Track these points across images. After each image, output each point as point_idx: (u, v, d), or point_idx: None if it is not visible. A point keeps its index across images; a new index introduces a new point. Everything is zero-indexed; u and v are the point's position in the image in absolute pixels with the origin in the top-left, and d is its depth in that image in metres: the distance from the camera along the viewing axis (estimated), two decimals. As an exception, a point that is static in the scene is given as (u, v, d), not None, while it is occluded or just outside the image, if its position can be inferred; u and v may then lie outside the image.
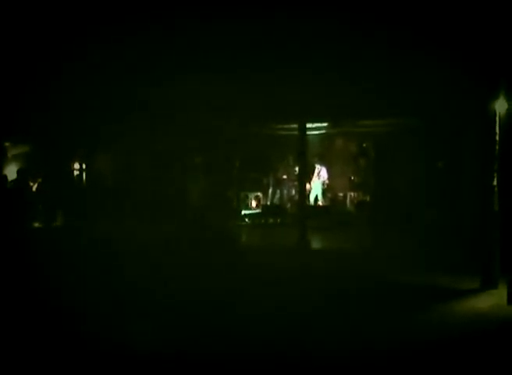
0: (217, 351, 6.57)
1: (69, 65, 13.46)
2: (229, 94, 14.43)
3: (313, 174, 18.56)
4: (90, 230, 15.59)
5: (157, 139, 18.00)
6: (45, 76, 14.05)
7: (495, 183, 9.76)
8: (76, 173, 20.33)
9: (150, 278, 9.87)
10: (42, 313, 7.93)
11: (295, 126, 15.50)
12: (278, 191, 19.54)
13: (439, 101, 13.27)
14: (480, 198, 10.28)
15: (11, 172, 18.52)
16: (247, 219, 18.35)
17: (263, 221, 18.16)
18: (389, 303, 8.77)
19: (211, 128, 17.11)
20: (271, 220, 18.12)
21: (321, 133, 18.40)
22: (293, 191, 18.91)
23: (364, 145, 18.57)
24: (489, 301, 8.92)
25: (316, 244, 14.50)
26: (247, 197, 19.34)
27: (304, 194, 15.56)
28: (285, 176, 19.40)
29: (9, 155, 20.22)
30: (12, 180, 17.69)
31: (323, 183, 18.79)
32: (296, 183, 17.82)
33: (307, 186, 17.21)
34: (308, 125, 15.30)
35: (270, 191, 19.54)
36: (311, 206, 18.05)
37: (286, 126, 17.34)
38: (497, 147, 9.77)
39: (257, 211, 18.77)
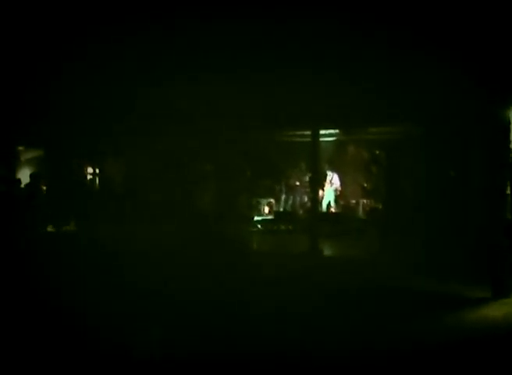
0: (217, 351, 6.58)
1: (82, 70, 13.53)
2: (241, 100, 14.44)
3: (325, 181, 18.52)
4: (101, 234, 15.66)
5: (169, 145, 18.03)
6: (59, 80, 14.13)
7: (508, 191, 9.70)
8: (88, 177, 20.43)
9: (161, 281, 9.89)
10: (48, 314, 7.97)
11: (307, 132, 15.48)
12: (290, 198, 19.51)
13: (451, 107, 13.21)
14: (491, 205, 10.20)
15: (24, 176, 18.64)
16: (259, 226, 18.34)
17: (275, 227, 18.13)
18: (400, 310, 8.71)
19: (223, 135, 17.11)
20: (283, 227, 18.09)
21: (333, 140, 18.34)
22: (306, 198, 18.88)
23: (377, 152, 18.51)
24: (502, 309, 8.83)
25: (328, 250, 14.44)
26: (259, 203, 19.32)
27: (316, 200, 15.54)
28: (297, 183, 19.36)
29: (23, 159, 20.35)
30: (25, 184, 17.81)
31: (335, 190, 18.75)
32: (308, 189, 17.80)
33: (320, 193, 17.18)
34: (321, 132, 15.28)
35: (282, 197, 19.52)
36: (324, 213, 18.00)
37: (298, 132, 17.30)
38: (511, 154, 9.71)
39: (270, 217, 18.75)
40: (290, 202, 19.47)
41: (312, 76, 12.78)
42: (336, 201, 18.75)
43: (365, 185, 18.75)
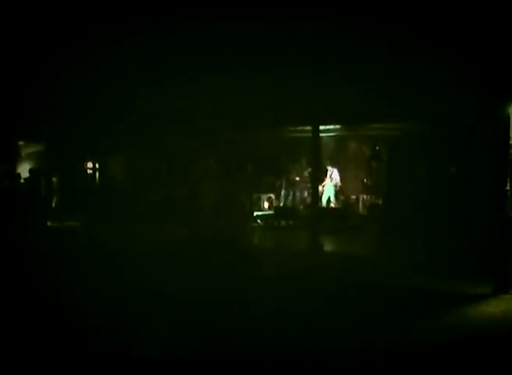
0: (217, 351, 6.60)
1: (83, 65, 13.53)
2: (242, 97, 14.45)
3: (325, 176, 18.52)
4: (101, 231, 15.67)
5: (170, 141, 18.04)
6: (59, 76, 14.13)
7: (508, 187, 9.70)
8: (88, 172, 20.44)
9: (161, 281, 9.91)
10: (48, 313, 7.99)
11: (308, 128, 15.47)
12: (290, 193, 19.52)
13: (452, 104, 13.20)
14: (492, 202, 10.21)
15: (24, 170, 18.67)
16: (259, 221, 18.36)
17: (275, 223, 18.15)
18: (400, 308, 8.70)
19: (224, 131, 17.11)
20: (283, 222, 18.11)
21: (333, 136, 18.33)
22: (306, 193, 18.88)
23: (377, 148, 18.49)
24: (501, 305, 8.84)
25: (328, 246, 14.44)
26: (259, 198, 19.33)
27: (316, 196, 15.53)
28: (297, 178, 19.36)
29: (23, 153, 20.37)
30: (24, 179, 17.83)
31: (335, 186, 18.74)
32: (308, 185, 17.80)
33: (320, 188, 17.18)
34: (321, 127, 15.27)
35: (282, 192, 19.53)
36: (324, 208, 18.00)
37: (299, 128, 17.30)
38: (511, 151, 9.71)
39: (270, 212, 18.76)
40: (290, 198, 19.48)
41: (314, 73, 12.79)
42: (336, 196, 18.74)
43: (365, 181, 18.75)
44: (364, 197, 18.69)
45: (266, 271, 11.10)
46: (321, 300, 9.01)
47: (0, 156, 18.51)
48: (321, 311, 8.37)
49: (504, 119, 9.70)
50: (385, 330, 7.56)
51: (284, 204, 19.39)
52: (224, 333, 7.20)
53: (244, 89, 14.02)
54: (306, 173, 18.71)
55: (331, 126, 16.80)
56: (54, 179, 19.49)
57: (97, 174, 20.32)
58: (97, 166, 20.35)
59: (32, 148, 20.51)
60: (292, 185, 19.49)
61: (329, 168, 18.70)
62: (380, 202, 17.98)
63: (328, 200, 18.65)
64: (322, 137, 15.83)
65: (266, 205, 19.26)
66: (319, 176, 16.46)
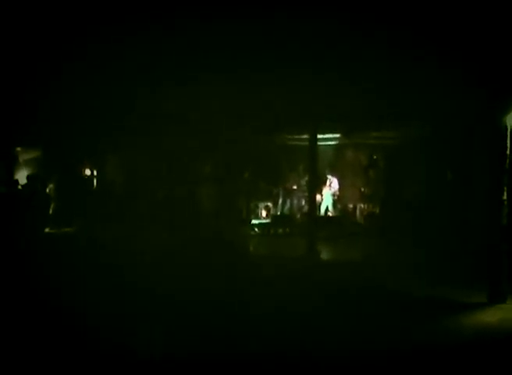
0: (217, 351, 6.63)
1: (80, 71, 13.55)
2: (239, 104, 14.48)
3: (324, 185, 18.57)
4: (100, 235, 15.68)
5: (167, 147, 18.09)
6: (57, 82, 14.15)
7: (504, 197, 9.75)
8: (86, 178, 20.45)
9: (160, 283, 9.93)
10: (49, 315, 8.01)
11: (306, 136, 15.52)
12: (287, 201, 19.55)
13: (449, 112, 13.26)
14: (489, 211, 10.23)
15: (22, 177, 18.67)
16: (256, 229, 18.37)
17: (272, 231, 18.17)
18: (396, 315, 8.73)
19: (221, 138, 17.16)
20: (280, 230, 18.13)
21: (331, 145, 18.41)
22: (303, 202, 18.91)
23: (375, 157, 18.57)
24: (498, 314, 8.85)
25: (325, 254, 14.44)
26: (256, 207, 19.36)
27: (313, 204, 15.56)
28: (295, 187, 19.40)
29: (21, 160, 20.37)
30: (21, 185, 17.84)
31: (333, 194, 18.78)
32: (306, 193, 17.83)
33: (318, 197, 17.23)
34: (319, 136, 15.31)
35: (280, 201, 19.56)
36: (321, 217, 18.04)
37: (296, 136, 17.37)
38: (508, 160, 9.76)
39: (267, 221, 18.79)
40: (288, 206, 19.50)
41: (311, 81, 12.82)
42: (333, 205, 18.79)
43: (363, 189, 18.80)
44: (362, 205, 18.74)
45: (261, 283, 11.00)
46: (316, 312, 8.97)
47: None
48: (317, 322, 8.38)
49: (501, 126, 9.75)
50: (381, 341, 7.56)
51: (281, 212, 19.41)
52: (224, 333, 7.23)
53: (242, 97, 14.05)
54: (303, 182, 18.75)
55: (329, 135, 16.87)
56: (51, 185, 19.48)
57: (95, 180, 20.32)
58: (94, 171, 20.36)
59: (30, 154, 20.51)
60: (289, 193, 19.52)
61: (329, 177, 18.75)
62: (377, 211, 18.04)
63: (327, 209, 18.70)
64: (320, 145, 15.86)
65: (264, 213, 19.28)
66: (316, 184, 16.48)
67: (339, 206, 18.98)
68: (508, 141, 9.76)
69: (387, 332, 7.82)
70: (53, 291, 9.51)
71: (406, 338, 7.59)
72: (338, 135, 17.74)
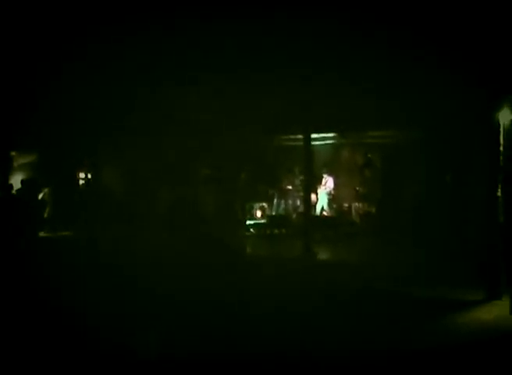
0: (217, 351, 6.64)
1: (77, 76, 13.55)
2: (235, 105, 14.49)
3: (320, 184, 18.56)
4: (99, 238, 15.68)
5: (164, 150, 18.09)
6: (53, 86, 14.14)
7: (499, 194, 9.78)
8: (81, 182, 20.41)
9: (159, 283, 9.94)
10: (49, 316, 8.02)
11: (301, 136, 15.52)
12: (283, 202, 19.53)
13: (445, 112, 13.29)
14: (485, 209, 10.25)
15: (17, 181, 18.61)
16: (252, 230, 18.38)
17: (268, 231, 18.18)
18: (393, 314, 8.76)
19: (217, 140, 17.17)
20: (276, 231, 18.14)
21: (326, 144, 18.43)
22: (298, 202, 18.91)
23: (370, 156, 18.56)
24: (494, 312, 8.91)
25: (321, 255, 14.42)
26: (252, 207, 19.34)
27: (309, 204, 15.57)
28: (290, 187, 19.38)
29: (15, 164, 20.33)
30: (16, 190, 17.79)
31: (329, 194, 18.77)
32: (301, 193, 17.82)
33: (313, 196, 17.25)
34: (314, 135, 15.32)
35: (275, 201, 19.54)
36: (317, 217, 18.05)
37: (291, 136, 17.38)
38: (501, 158, 9.79)
39: (262, 221, 18.79)
40: (283, 206, 19.48)
41: (307, 81, 12.84)
42: (329, 204, 18.78)
43: (358, 189, 18.78)
44: (357, 205, 18.73)
45: (257, 282, 10.98)
46: (316, 309, 8.95)
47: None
48: (313, 319, 8.38)
49: (497, 126, 9.79)
50: (378, 341, 7.57)
51: (277, 212, 19.39)
52: (224, 333, 7.25)
53: (237, 96, 14.07)
54: (298, 182, 18.74)
55: (324, 134, 16.89)
56: (46, 189, 19.44)
57: (90, 183, 20.28)
58: (89, 175, 20.32)
59: (25, 159, 20.47)
60: (284, 194, 19.50)
61: (325, 176, 18.74)
62: (373, 210, 18.04)
63: (322, 208, 18.70)
64: (315, 145, 15.89)
65: (259, 213, 19.27)
66: (312, 184, 16.50)
67: (334, 206, 18.96)
68: (501, 138, 9.80)
69: (387, 332, 7.85)
70: (53, 291, 9.52)
71: (405, 338, 7.61)
72: (333, 135, 17.78)
